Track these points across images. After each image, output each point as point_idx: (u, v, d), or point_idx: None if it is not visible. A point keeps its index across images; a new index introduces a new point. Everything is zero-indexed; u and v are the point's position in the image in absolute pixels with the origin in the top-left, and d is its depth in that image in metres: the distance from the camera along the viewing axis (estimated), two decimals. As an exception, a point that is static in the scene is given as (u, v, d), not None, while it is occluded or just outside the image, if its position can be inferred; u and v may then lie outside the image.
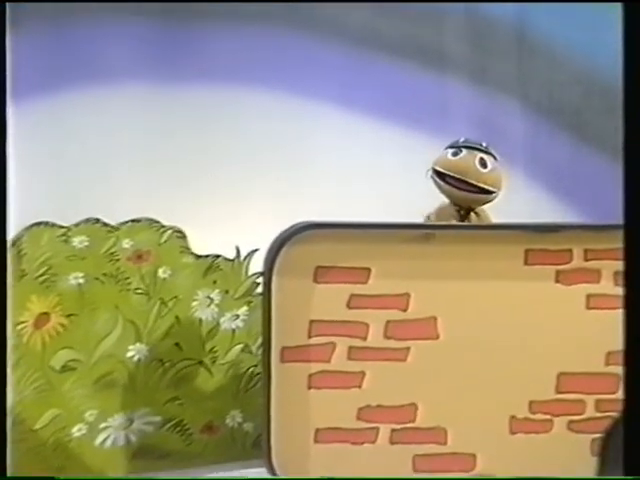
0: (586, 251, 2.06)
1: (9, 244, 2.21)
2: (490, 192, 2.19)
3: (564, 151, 2.79)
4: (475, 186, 2.17)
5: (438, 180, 2.20)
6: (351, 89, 2.61)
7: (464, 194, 2.17)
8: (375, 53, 2.65)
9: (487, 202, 2.21)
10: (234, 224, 2.46)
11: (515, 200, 2.41)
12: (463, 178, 2.16)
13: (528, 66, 2.79)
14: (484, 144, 2.21)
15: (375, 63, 2.64)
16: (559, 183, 2.76)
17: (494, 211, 2.24)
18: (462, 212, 2.20)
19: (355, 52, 2.62)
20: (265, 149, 2.54)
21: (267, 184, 2.52)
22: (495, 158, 2.21)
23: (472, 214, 2.21)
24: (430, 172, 2.20)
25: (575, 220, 2.61)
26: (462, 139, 2.22)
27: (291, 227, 2.01)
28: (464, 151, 2.19)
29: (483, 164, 2.18)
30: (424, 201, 2.21)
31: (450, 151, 2.20)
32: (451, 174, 2.17)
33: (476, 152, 2.18)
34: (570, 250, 2.07)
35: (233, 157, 2.52)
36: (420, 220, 2.22)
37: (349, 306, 2.03)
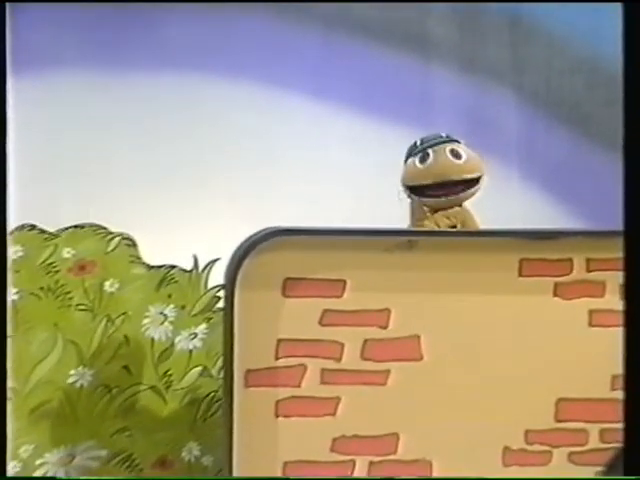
0: (588, 261, 2.07)
1: None
2: (472, 181, 2.17)
3: (563, 148, 2.81)
4: (461, 182, 2.16)
5: (417, 198, 2.18)
6: (324, 78, 2.63)
7: (453, 198, 2.16)
8: (351, 37, 2.67)
9: (477, 191, 2.19)
10: (192, 230, 2.47)
11: (508, 203, 2.48)
12: (445, 180, 2.15)
13: (523, 52, 2.81)
14: (443, 134, 2.19)
15: (351, 49, 2.66)
16: (558, 184, 2.78)
17: (484, 215, 2.25)
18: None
19: (328, 36, 2.65)
20: (227, 145, 2.56)
21: (229, 184, 2.54)
22: (459, 142, 2.19)
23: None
24: (402, 194, 2.18)
25: (576, 225, 2.63)
26: (417, 141, 2.19)
27: (256, 233, 2.00)
28: (430, 152, 2.16)
29: (456, 155, 2.16)
30: (406, 203, 2.21)
31: (415, 159, 2.17)
32: (430, 183, 2.15)
33: (441, 146, 2.16)
34: (570, 260, 2.07)
35: (191, 154, 2.53)
36: (404, 225, 2.22)
37: (322, 323, 2.02)
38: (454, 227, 2.19)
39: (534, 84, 2.81)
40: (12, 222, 2.41)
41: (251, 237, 1.99)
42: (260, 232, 2.00)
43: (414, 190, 2.17)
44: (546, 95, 2.82)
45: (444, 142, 2.17)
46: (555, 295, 2.07)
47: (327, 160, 2.63)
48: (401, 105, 2.69)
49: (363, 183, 2.60)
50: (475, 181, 2.17)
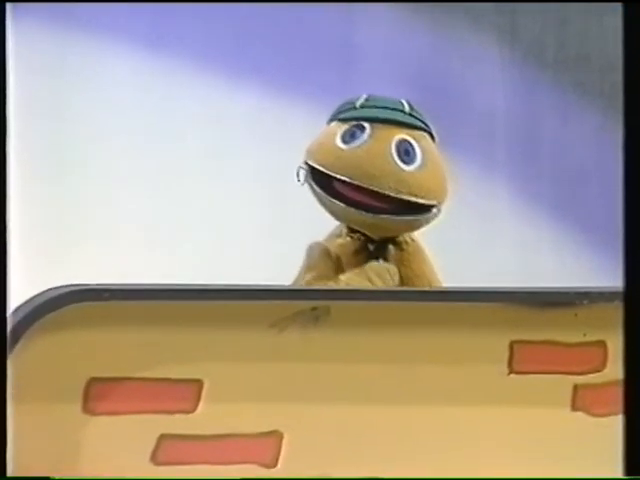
0: (632, 345, 2.02)
1: None
2: (424, 207, 2.18)
3: (587, 142, 2.76)
4: (392, 199, 2.16)
5: (317, 188, 2.19)
6: (165, 24, 2.64)
7: (371, 217, 2.17)
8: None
9: (420, 226, 2.22)
10: None
11: (491, 239, 2.43)
12: (366, 186, 2.16)
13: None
14: (405, 104, 2.21)
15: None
16: (577, 206, 2.73)
17: (450, 261, 2.25)
18: (372, 245, 2.20)
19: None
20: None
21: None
22: (432, 135, 2.22)
23: (390, 246, 2.21)
24: (302, 170, 2.20)
25: (610, 280, 2.45)
26: (362, 98, 2.21)
27: (36, 297, 1.92)
28: (367, 129, 2.17)
29: (405, 152, 2.17)
30: (313, 232, 2.22)
31: (341, 130, 2.18)
32: (342, 178, 2.16)
33: (391, 129, 2.18)
34: (602, 344, 2.03)
35: None
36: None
37: (156, 460, 1.95)
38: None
39: (534, 31, 2.75)
40: None
41: (28, 304, 1.90)
42: (43, 294, 1.91)
43: (319, 177, 2.17)
44: (556, 52, 2.77)
45: (395, 121, 2.18)
46: (575, 407, 2.03)
47: (178, 160, 2.59)
48: (307, 65, 2.65)
49: (235, 198, 2.56)
50: (421, 210, 2.18)
